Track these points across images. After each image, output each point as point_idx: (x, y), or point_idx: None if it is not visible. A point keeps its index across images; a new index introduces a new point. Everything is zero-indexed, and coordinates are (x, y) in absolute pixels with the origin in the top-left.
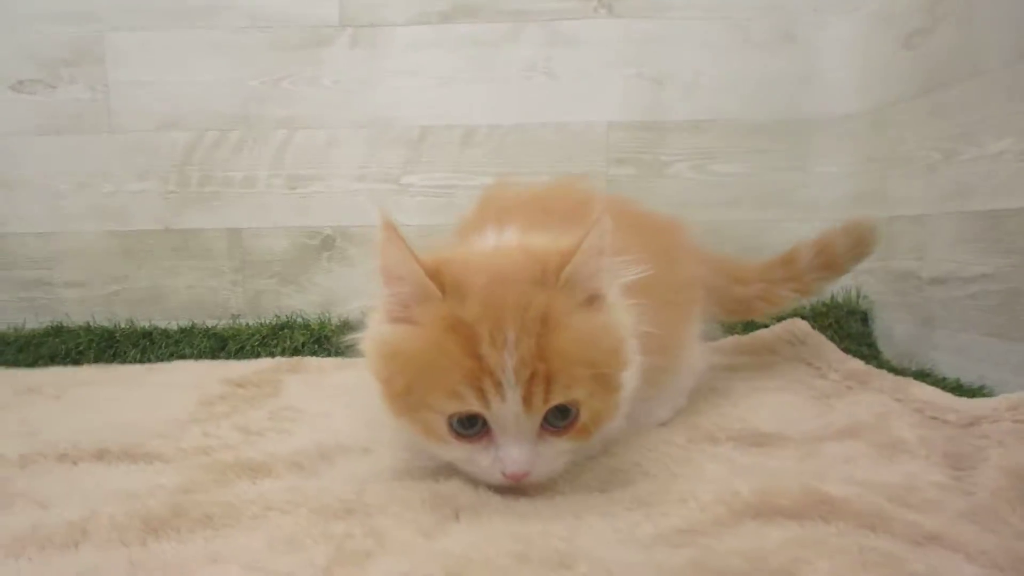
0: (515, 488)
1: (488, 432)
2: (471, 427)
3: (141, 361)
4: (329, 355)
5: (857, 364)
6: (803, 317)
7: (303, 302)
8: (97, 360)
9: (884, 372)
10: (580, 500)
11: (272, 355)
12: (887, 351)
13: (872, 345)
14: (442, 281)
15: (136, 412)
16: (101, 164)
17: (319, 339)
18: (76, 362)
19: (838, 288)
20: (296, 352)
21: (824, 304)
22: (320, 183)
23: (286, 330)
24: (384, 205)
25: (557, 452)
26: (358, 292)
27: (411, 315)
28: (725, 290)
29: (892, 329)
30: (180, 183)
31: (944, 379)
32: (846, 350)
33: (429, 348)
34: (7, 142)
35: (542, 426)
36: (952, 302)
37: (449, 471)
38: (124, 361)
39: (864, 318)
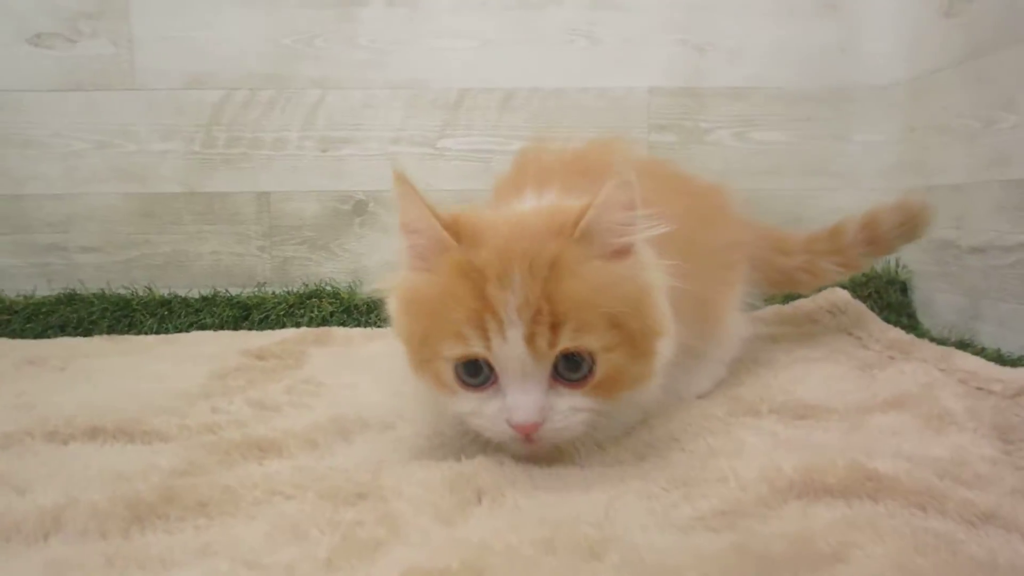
0: (533, 455)
1: (496, 382)
2: (477, 375)
3: (158, 331)
4: (359, 326)
5: (898, 334)
6: (843, 287)
7: (333, 270)
8: (111, 330)
9: (926, 342)
10: (613, 479)
11: (298, 325)
12: (927, 321)
13: (912, 315)
14: (458, 232)
15: (143, 385)
16: (123, 123)
17: (348, 309)
18: (88, 332)
19: (878, 259)
20: (324, 323)
21: (864, 274)
22: (354, 146)
23: (314, 299)
24: (413, 168)
25: (572, 407)
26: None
27: (428, 266)
28: (768, 260)
29: (932, 299)
30: (206, 144)
31: (984, 349)
32: (886, 320)
33: (440, 293)
34: (22, 99)
35: (555, 378)
36: (992, 271)
37: (474, 446)
38: (140, 331)
39: (904, 288)
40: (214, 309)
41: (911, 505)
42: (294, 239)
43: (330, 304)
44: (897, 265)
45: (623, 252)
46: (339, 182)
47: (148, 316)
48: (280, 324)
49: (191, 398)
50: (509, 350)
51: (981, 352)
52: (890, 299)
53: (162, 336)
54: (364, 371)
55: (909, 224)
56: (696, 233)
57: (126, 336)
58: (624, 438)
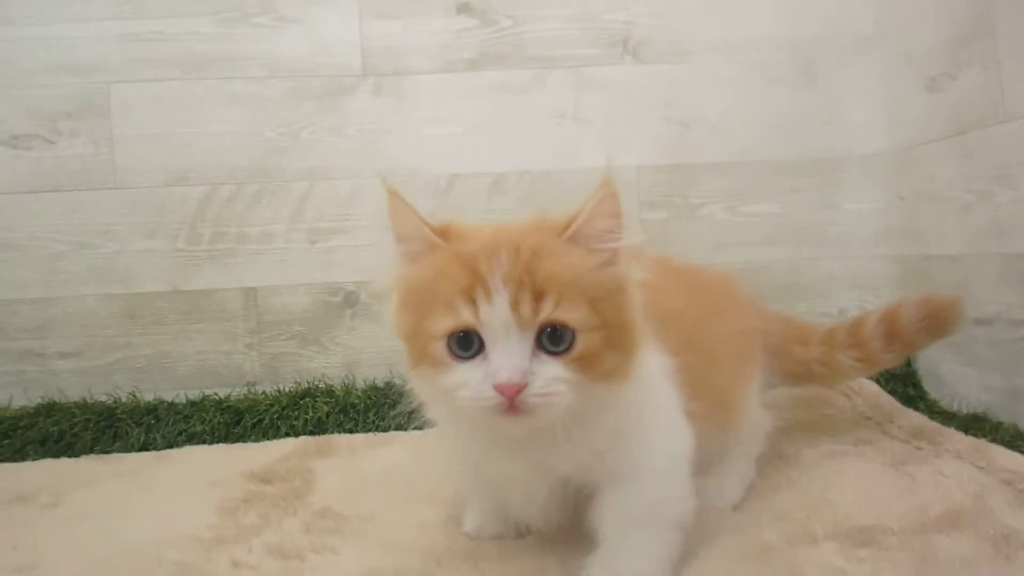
0: (516, 430)
1: (483, 352)
2: (468, 348)
3: (145, 441)
4: (356, 427)
5: (921, 420)
6: None
7: (326, 364)
8: (95, 442)
9: (952, 431)
10: None
11: (293, 428)
12: (934, 392)
13: (918, 385)
14: (447, 234)
15: (147, 529)
16: (104, 222)
17: (344, 408)
18: (71, 446)
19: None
20: (320, 424)
21: None
22: (343, 236)
23: (307, 399)
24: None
25: (554, 376)
26: (385, 350)
27: (417, 259)
28: (785, 349)
29: (938, 369)
30: (191, 240)
31: (1001, 423)
32: (892, 391)
33: (432, 274)
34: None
35: (538, 347)
36: (1002, 344)
37: None
38: (126, 442)
39: (909, 359)
40: (203, 415)
41: None
42: (283, 334)
43: (325, 404)
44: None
45: (608, 260)
46: (329, 274)
47: (134, 425)
48: (274, 428)
49: (205, 546)
50: (495, 315)
51: (999, 428)
52: (895, 369)
53: (154, 453)
54: (378, 491)
55: (933, 320)
56: (706, 323)
57: (115, 455)
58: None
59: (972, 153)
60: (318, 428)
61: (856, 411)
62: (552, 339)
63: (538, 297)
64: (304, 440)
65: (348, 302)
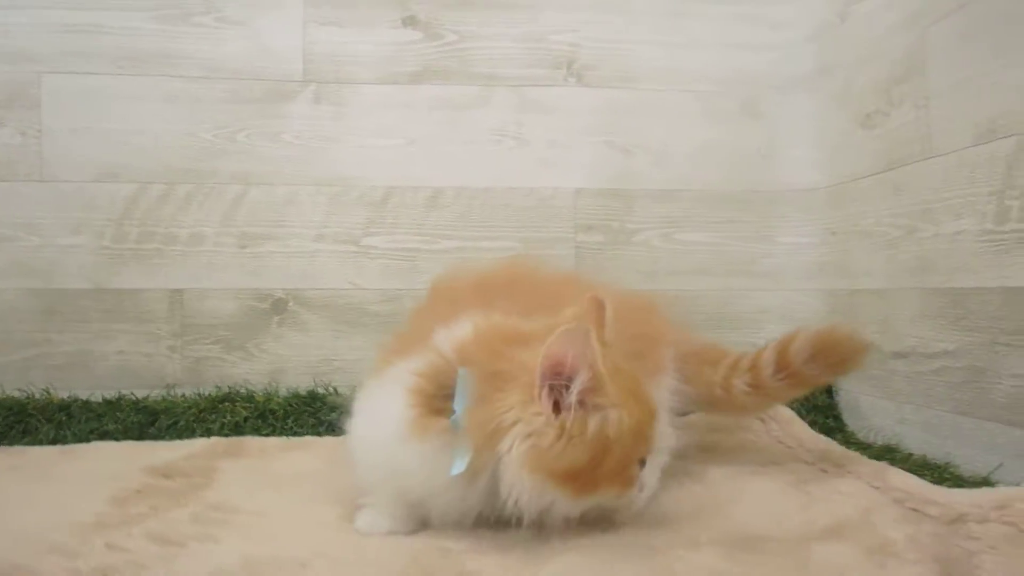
0: None
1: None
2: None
3: (56, 439)
4: (274, 432)
5: (829, 444)
6: None
7: (249, 371)
8: (2, 438)
9: (858, 455)
10: None
11: (209, 431)
12: (852, 424)
13: (838, 417)
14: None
15: (34, 514)
16: (28, 215)
17: (263, 414)
18: None
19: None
20: (237, 429)
21: None
22: (275, 242)
23: (227, 403)
24: (335, 266)
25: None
26: (312, 360)
27: (604, 402)
28: (697, 372)
29: (857, 401)
30: (117, 239)
31: (911, 455)
32: (812, 422)
33: (635, 413)
34: None
35: None
36: (917, 377)
37: None
38: (35, 438)
39: (830, 390)
40: (118, 414)
41: None
42: (208, 338)
43: (244, 409)
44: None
45: None
46: (258, 280)
47: (44, 422)
48: (189, 430)
49: (85, 531)
50: (656, 440)
51: (908, 459)
52: (816, 400)
53: (59, 447)
54: (281, 491)
55: (826, 355)
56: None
57: (19, 448)
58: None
59: (899, 189)
60: (235, 432)
61: (770, 435)
62: None
63: None
64: (215, 440)
65: (276, 309)
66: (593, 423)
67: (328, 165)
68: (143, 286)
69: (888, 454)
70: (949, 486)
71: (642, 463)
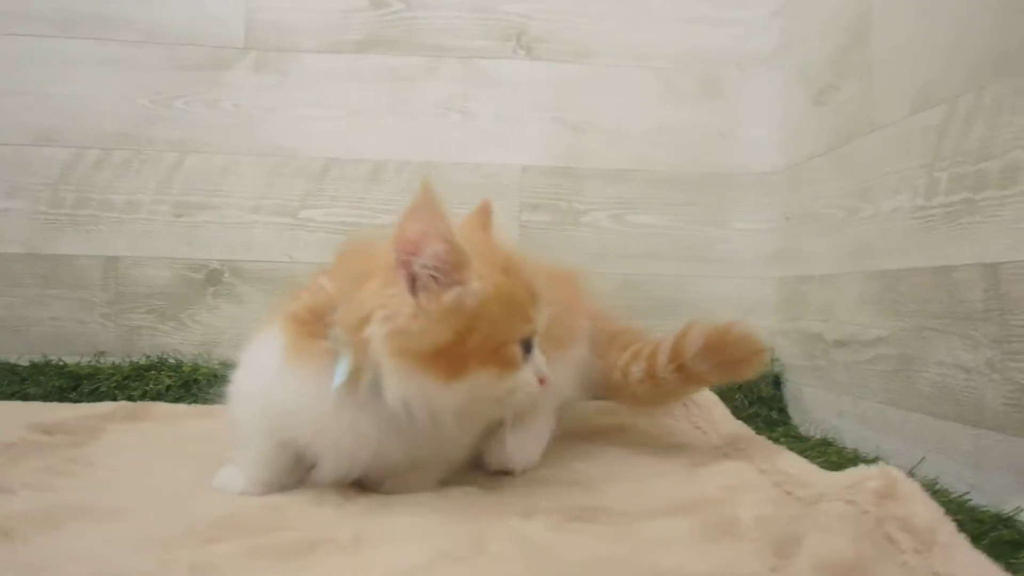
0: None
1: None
2: (528, 349)
3: None
4: (196, 402)
5: (742, 430)
6: None
7: (182, 341)
8: None
9: (763, 440)
10: None
11: (131, 398)
12: (796, 416)
13: (783, 410)
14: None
15: None
16: None
17: (187, 383)
18: None
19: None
20: (158, 397)
21: None
22: (210, 212)
23: (153, 371)
24: (271, 238)
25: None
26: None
27: (464, 277)
28: (605, 353)
29: (801, 393)
30: (53, 203)
31: (844, 448)
32: (755, 414)
33: (503, 293)
34: None
35: None
36: (854, 367)
37: None
38: None
39: (776, 381)
40: (41, 378)
41: None
42: (142, 307)
43: (168, 378)
44: (771, 357)
45: None
46: (193, 249)
47: None
48: (111, 396)
49: None
50: (542, 320)
51: (840, 451)
52: (761, 392)
53: None
54: (156, 452)
55: (717, 354)
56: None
57: None
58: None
59: (846, 168)
60: (156, 400)
61: (690, 419)
62: None
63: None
64: (122, 404)
65: (211, 280)
66: (449, 296)
67: (267, 135)
68: (78, 252)
69: (821, 448)
70: None
71: (527, 346)
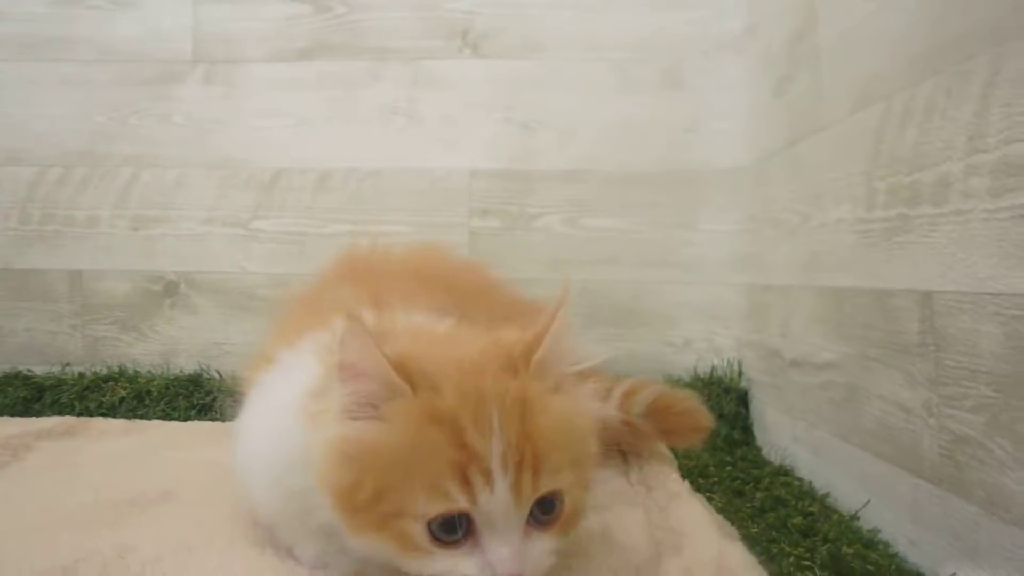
0: None
1: (472, 534)
2: (454, 532)
3: None
4: (147, 414)
5: (659, 458)
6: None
7: (144, 351)
8: None
9: (673, 475)
10: None
11: (87, 409)
12: (760, 437)
13: (748, 429)
14: (411, 375)
15: None
16: None
17: (140, 395)
18: None
19: (720, 361)
20: (112, 408)
21: (702, 379)
22: (166, 225)
23: (111, 382)
24: (224, 249)
25: (544, 550)
26: (202, 343)
27: (378, 414)
28: None
29: (764, 413)
30: (22, 220)
31: (800, 481)
32: (717, 432)
33: (405, 444)
34: None
35: (527, 521)
36: (808, 390)
37: None
38: None
39: (744, 398)
40: (8, 389)
41: None
42: (106, 319)
43: (124, 389)
44: (740, 372)
45: (562, 384)
46: (151, 262)
47: None
48: (71, 408)
49: None
50: (496, 501)
51: (797, 485)
52: (724, 409)
53: None
54: (64, 479)
55: (661, 422)
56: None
57: None
58: None
59: (798, 169)
60: (110, 412)
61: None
62: (542, 508)
63: (537, 471)
64: (65, 419)
65: (168, 291)
66: (347, 428)
67: (218, 147)
68: (46, 266)
69: (777, 477)
70: (823, 526)
71: (448, 528)
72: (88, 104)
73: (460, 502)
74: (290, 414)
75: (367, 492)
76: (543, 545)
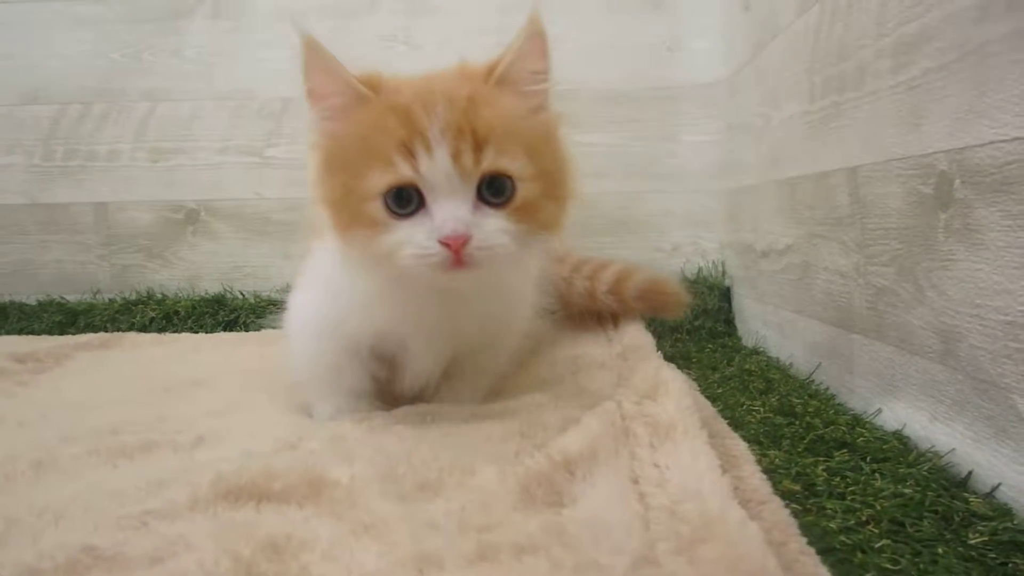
0: (460, 284)
1: (423, 208)
2: (407, 204)
3: None
4: (176, 331)
5: (639, 339)
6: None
7: (169, 277)
8: None
9: (650, 350)
10: None
11: (120, 329)
12: (741, 327)
13: (730, 322)
14: (375, 86)
15: None
16: None
17: (169, 315)
18: None
19: (706, 262)
20: (143, 328)
21: (687, 278)
22: (183, 156)
23: (139, 305)
24: (240, 177)
25: (496, 228)
26: (224, 266)
27: (346, 117)
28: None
29: (743, 305)
30: (46, 157)
31: (770, 357)
32: (700, 326)
33: (363, 131)
34: None
35: (479, 199)
36: (772, 276)
37: None
38: None
39: (727, 294)
40: (44, 315)
41: None
42: (131, 248)
43: (153, 311)
44: (723, 271)
45: (538, 104)
46: (171, 192)
47: None
48: (104, 329)
49: None
50: (436, 169)
51: (764, 361)
52: (708, 305)
53: None
54: (104, 376)
55: (651, 302)
56: None
57: None
58: None
59: (762, 75)
60: (141, 331)
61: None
62: (493, 190)
63: (479, 147)
64: (99, 335)
65: (189, 219)
66: (313, 136)
67: (228, 79)
68: (71, 200)
69: (750, 356)
70: (779, 387)
71: (403, 199)
72: (102, 42)
73: (404, 170)
74: (335, 277)
75: (340, 188)
76: (494, 222)
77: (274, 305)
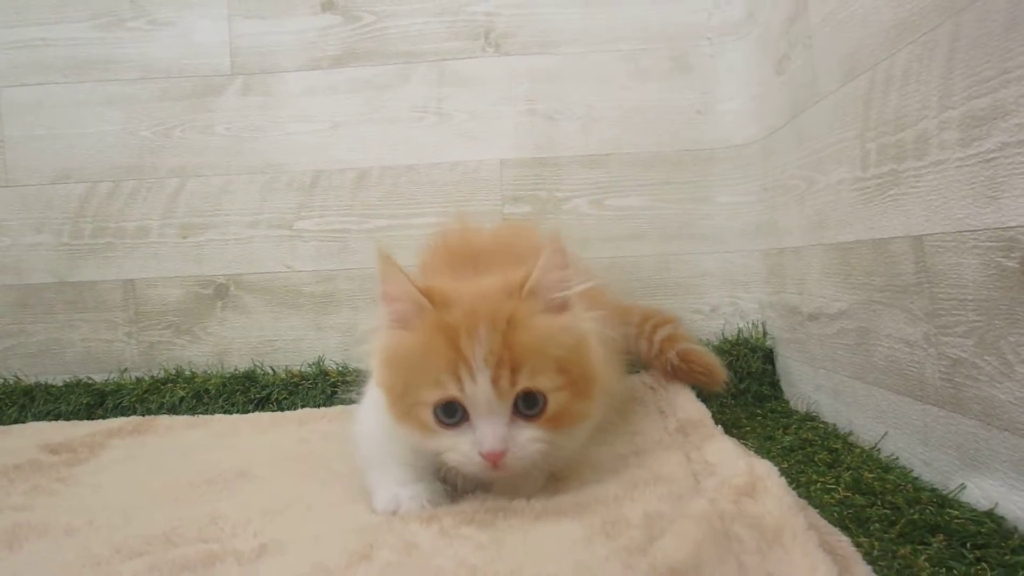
0: (500, 480)
1: (467, 420)
2: (453, 416)
3: (17, 420)
4: (207, 411)
5: (695, 412)
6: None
7: (198, 353)
8: None
9: (711, 425)
10: None
11: (149, 410)
12: (787, 391)
13: (775, 384)
14: (432, 297)
15: None
16: None
17: (199, 394)
18: None
19: (746, 323)
20: (173, 408)
21: (728, 340)
22: (213, 231)
23: (168, 384)
24: (271, 250)
25: (530, 437)
26: (254, 341)
27: (409, 326)
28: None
29: (789, 367)
30: (74, 235)
31: (825, 424)
32: (746, 390)
33: (420, 347)
34: None
35: (515, 413)
36: (825, 340)
37: None
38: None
39: (769, 356)
40: (72, 397)
41: None
42: (159, 324)
43: (182, 390)
44: (764, 332)
45: (562, 306)
46: (200, 267)
47: (10, 405)
48: (132, 410)
49: None
50: (479, 392)
51: (822, 428)
52: (752, 367)
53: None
54: (143, 467)
55: (690, 372)
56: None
57: None
58: None
59: (802, 138)
60: (171, 412)
61: (656, 403)
62: (527, 403)
63: (515, 370)
64: (131, 419)
65: (219, 294)
66: (382, 337)
67: (258, 153)
68: (100, 278)
69: (805, 422)
70: (846, 458)
71: (449, 411)
72: (133, 120)
73: (451, 390)
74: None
75: (400, 386)
76: (528, 433)
77: (306, 380)
